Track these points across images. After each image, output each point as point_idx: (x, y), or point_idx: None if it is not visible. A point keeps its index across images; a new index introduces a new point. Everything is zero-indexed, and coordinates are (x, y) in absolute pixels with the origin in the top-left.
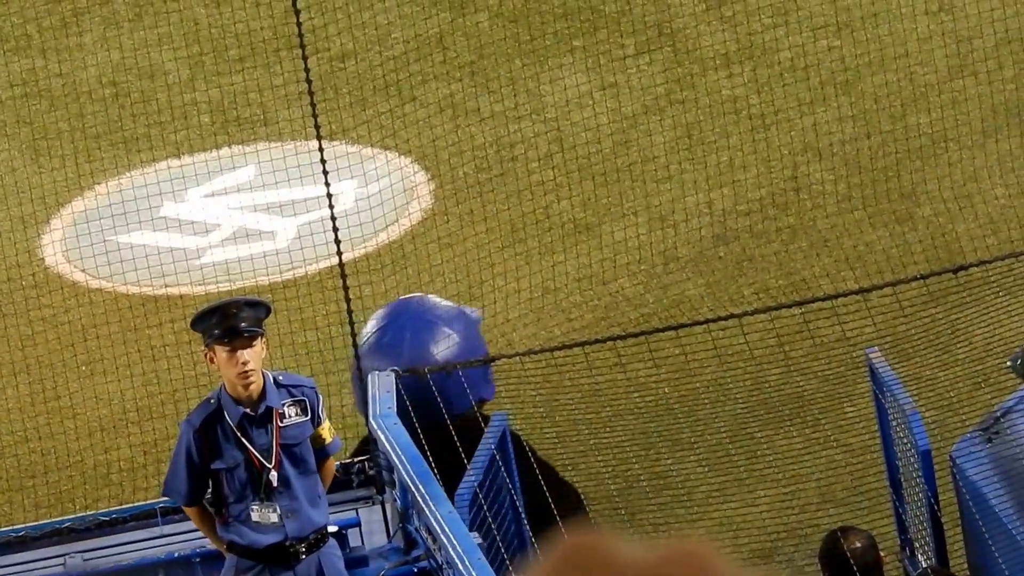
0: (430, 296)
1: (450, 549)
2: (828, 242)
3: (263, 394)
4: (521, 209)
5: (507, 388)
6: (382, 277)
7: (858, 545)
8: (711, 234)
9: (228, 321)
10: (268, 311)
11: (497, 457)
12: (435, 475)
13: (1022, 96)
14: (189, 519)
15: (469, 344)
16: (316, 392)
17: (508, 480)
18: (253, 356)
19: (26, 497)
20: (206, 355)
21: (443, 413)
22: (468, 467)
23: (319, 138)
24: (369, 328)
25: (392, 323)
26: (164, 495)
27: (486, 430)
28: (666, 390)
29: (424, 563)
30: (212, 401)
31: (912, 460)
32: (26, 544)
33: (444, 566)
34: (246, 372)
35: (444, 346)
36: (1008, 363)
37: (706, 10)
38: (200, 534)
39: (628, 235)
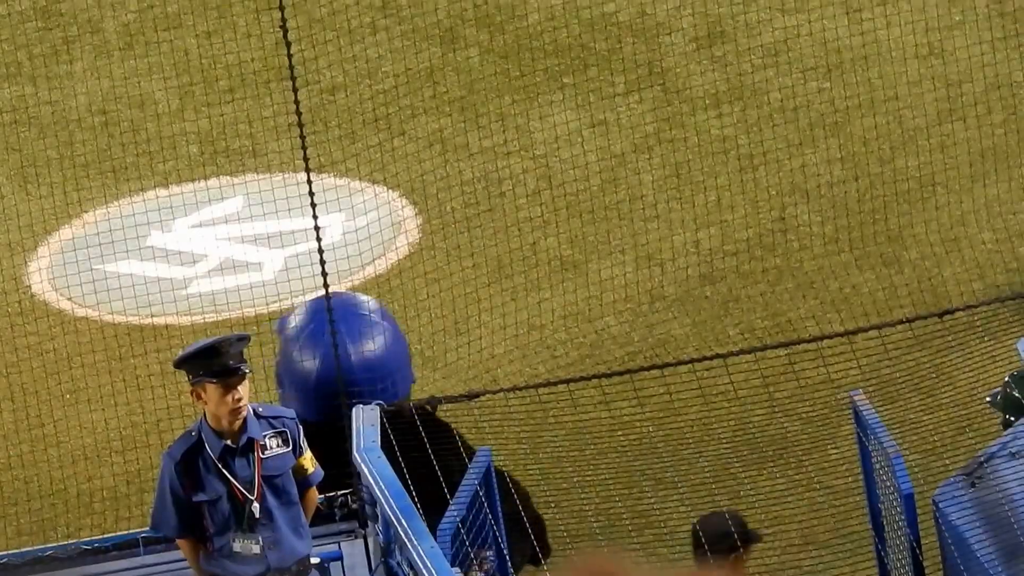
0: (346, 292)
1: None
2: (814, 284)
3: (244, 426)
4: (508, 245)
5: (491, 424)
6: None
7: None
8: (698, 274)
9: (221, 359)
10: (249, 341)
11: (480, 493)
12: (419, 511)
13: (1010, 141)
14: (171, 550)
15: (398, 335)
16: (297, 423)
17: (491, 516)
18: (244, 391)
19: (8, 525)
20: (193, 392)
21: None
22: (451, 502)
23: (308, 170)
24: (298, 319)
25: (321, 315)
26: (152, 528)
27: (470, 466)
28: (650, 429)
29: None
30: (193, 434)
31: (895, 504)
32: (7, 572)
33: None
34: (240, 408)
35: (382, 339)
36: (987, 399)
37: (696, 50)
38: (182, 565)
39: (615, 273)
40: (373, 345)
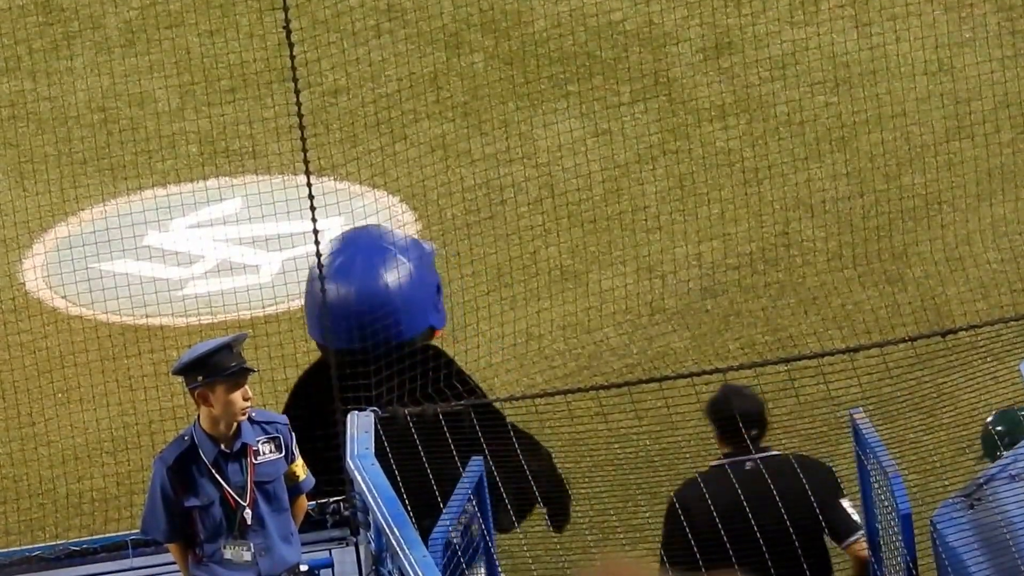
0: (384, 225)
1: None
2: (816, 300)
3: (238, 431)
4: (508, 254)
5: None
6: None
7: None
8: (699, 287)
9: (236, 358)
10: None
11: (473, 503)
12: (411, 520)
13: (1018, 161)
14: (160, 552)
15: (421, 274)
16: (289, 428)
17: (483, 526)
18: (250, 391)
19: None
20: (199, 395)
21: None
22: (443, 511)
23: (308, 173)
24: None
25: (345, 249)
26: (143, 533)
27: (462, 476)
28: (647, 442)
29: None
30: (186, 438)
31: (893, 524)
32: None
33: None
34: (247, 408)
35: (395, 273)
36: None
37: (703, 60)
38: (172, 568)
39: (615, 284)
40: (383, 280)
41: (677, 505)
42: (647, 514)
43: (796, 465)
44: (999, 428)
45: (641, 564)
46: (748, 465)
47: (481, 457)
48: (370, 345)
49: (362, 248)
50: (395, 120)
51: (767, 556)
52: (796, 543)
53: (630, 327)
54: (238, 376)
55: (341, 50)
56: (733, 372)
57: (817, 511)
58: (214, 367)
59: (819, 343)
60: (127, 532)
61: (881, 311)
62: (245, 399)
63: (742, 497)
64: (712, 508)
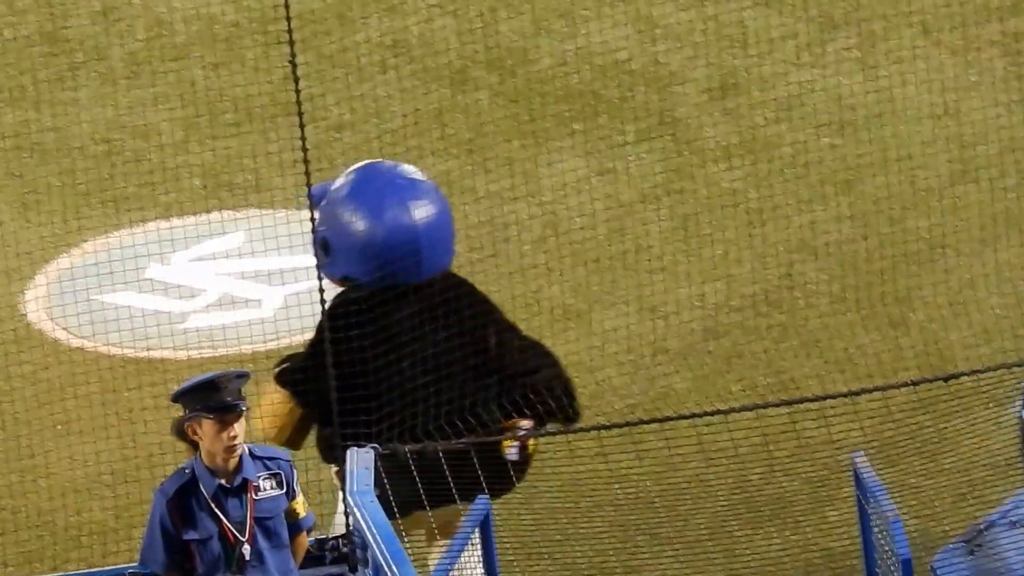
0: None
1: None
2: (819, 342)
3: (239, 466)
4: (511, 292)
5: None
6: None
7: None
8: (701, 328)
9: (220, 395)
10: (248, 379)
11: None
12: (409, 556)
13: (1023, 206)
14: None
15: (442, 202)
16: (291, 465)
17: (486, 566)
18: (240, 430)
19: None
20: (188, 427)
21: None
22: (444, 550)
23: (311, 207)
24: (342, 182)
25: (367, 185)
26: (141, 564)
27: (464, 515)
28: (648, 483)
29: None
30: (187, 471)
31: (893, 569)
32: None
33: None
34: (234, 446)
35: (435, 201)
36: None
37: (709, 101)
38: None
39: (617, 324)
40: (433, 209)
41: None
42: (646, 555)
43: None
44: None
45: None
46: None
47: (486, 496)
48: (432, 277)
49: (387, 182)
50: (399, 156)
51: None
52: None
53: (632, 367)
54: (222, 413)
55: (346, 85)
56: (735, 413)
57: None
58: (201, 401)
59: (821, 386)
60: (126, 565)
61: (884, 355)
62: (231, 437)
63: None
64: None
